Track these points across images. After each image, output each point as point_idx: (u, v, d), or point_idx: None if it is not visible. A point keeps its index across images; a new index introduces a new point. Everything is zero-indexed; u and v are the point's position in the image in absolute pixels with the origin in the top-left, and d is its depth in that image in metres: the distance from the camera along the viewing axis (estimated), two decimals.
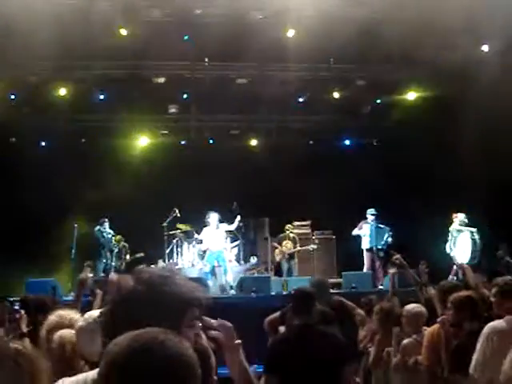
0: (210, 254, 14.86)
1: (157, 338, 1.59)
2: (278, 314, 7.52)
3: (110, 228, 15.86)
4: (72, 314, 3.98)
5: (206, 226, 14.93)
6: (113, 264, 15.60)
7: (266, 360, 5.16)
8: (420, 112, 16.76)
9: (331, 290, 12.87)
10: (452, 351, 5.21)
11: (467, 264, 13.78)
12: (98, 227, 15.69)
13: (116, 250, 15.78)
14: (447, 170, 15.95)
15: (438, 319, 5.66)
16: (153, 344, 1.57)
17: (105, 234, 15.66)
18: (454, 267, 14.36)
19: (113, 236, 15.76)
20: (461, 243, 14.44)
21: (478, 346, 4.78)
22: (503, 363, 4.28)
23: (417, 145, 16.55)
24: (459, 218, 14.56)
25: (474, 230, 14.32)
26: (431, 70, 16.21)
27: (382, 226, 15.28)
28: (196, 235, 15.55)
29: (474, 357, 4.79)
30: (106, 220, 15.75)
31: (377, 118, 17.99)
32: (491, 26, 13.82)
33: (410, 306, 6.62)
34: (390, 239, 15.18)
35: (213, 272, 14.77)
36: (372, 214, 15.34)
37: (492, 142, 14.95)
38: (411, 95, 17.30)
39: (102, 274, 14.79)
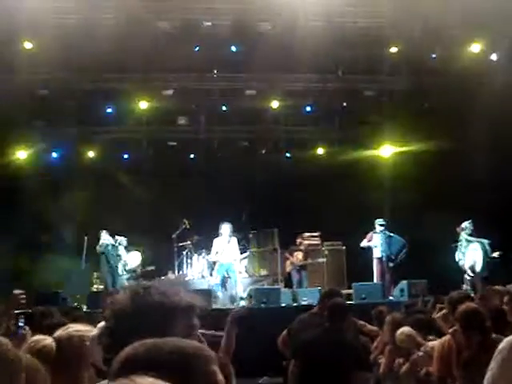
0: (220, 266, 14.84)
1: None
2: (285, 331, 7.64)
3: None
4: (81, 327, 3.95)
5: (217, 236, 14.88)
6: (124, 277, 15.43)
7: (296, 347, 6.38)
8: (429, 121, 16.74)
9: None
10: (463, 363, 5.16)
11: (479, 275, 13.78)
12: (100, 242, 15.31)
13: (118, 261, 15.50)
14: (457, 179, 15.93)
15: (450, 330, 5.62)
16: None
17: (106, 244, 15.36)
18: (466, 276, 14.30)
19: (113, 245, 15.54)
20: (470, 254, 14.36)
21: (494, 359, 4.72)
22: None
23: (427, 155, 16.54)
24: (466, 226, 14.50)
25: (485, 241, 14.22)
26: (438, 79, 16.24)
27: (392, 234, 15.18)
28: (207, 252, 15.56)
29: (490, 371, 4.72)
30: (103, 232, 15.23)
31: (386, 127, 17.96)
32: (499, 34, 13.85)
33: (399, 332, 6.68)
34: (404, 255, 15.07)
35: (223, 284, 14.74)
36: (380, 224, 15.27)
37: (502, 149, 14.95)
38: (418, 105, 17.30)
39: (111, 288, 14.81)
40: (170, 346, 1.60)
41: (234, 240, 14.89)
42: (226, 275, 14.69)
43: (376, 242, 15.26)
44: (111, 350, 1.83)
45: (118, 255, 15.43)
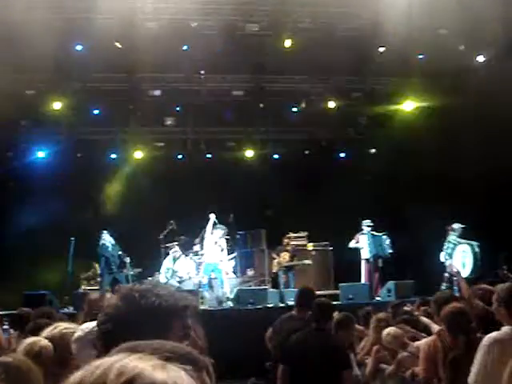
0: (206, 266, 14.83)
1: None
2: (270, 329, 7.77)
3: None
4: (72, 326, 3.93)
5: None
6: (117, 277, 15.34)
7: (282, 352, 6.27)
8: (417, 122, 16.81)
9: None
10: (449, 363, 5.19)
11: (469, 278, 13.83)
12: (101, 242, 15.50)
13: (118, 261, 15.51)
14: (445, 179, 16.01)
15: (435, 330, 5.64)
16: None
17: (107, 246, 15.38)
18: (445, 275, 14.36)
19: (114, 245, 15.49)
20: (458, 256, 14.39)
21: (478, 356, 4.74)
22: (503, 374, 4.26)
23: (414, 155, 16.61)
24: (455, 228, 14.54)
25: (474, 243, 14.25)
26: (427, 81, 16.30)
27: (376, 233, 15.24)
28: (196, 247, 15.57)
29: (474, 368, 4.75)
30: (105, 232, 15.41)
31: (373, 129, 18.04)
32: (486, 35, 13.92)
33: (385, 333, 6.71)
34: (389, 248, 15.12)
35: (210, 284, 14.73)
36: (368, 226, 15.31)
37: (490, 151, 15.02)
38: (408, 105, 17.36)
39: (108, 288, 14.78)
40: (151, 347, 1.59)
41: (223, 240, 14.89)
42: (213, 276, 14.69)
43: (363, 242, 15.31)
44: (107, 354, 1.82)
45: (119, 255, 15.42)
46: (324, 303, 6.57)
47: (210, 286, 14.67)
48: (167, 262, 15.73)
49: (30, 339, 3.76)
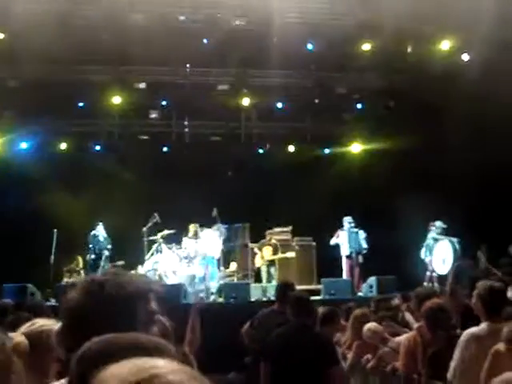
0: (203, 259, 14.96)
1: None
2: (248, 323, 7.73)
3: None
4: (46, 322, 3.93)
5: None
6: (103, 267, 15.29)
7: (264, 348, 6.00)
8: (400, 118, 16.91)
9: (313, 297, 13.05)
10: (429, 358, 5.24)
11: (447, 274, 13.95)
12: (92, 232, 15.51)
13: (107, 254, 15.52)
14: (430, 175, 16.13)
15: (415, 326, 5.70)
16: None
17: (98, 238, 15.39)
18: (428, 273, 14.49)
19: (106, 238, 15.49)
20: (439, 252, 14.52)
21: (456, 352, 4.81)
22: (481, 369, 4.33)
23: (396, 151, 16.71)
24: (436, 225, 14.66)
25: (454, 239, 14.37)
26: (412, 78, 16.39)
27: (355, 230, 15.32)
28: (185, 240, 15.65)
29: (452, 363, 4.82)
30: (100, 223, 15.46)
31: (357, 124, 18.12)
32: (472, 33, 14.00)
33: (366, 328, 6.78)
34: (364, 243, 15.21)
35: (204, 276, 14.88)
36: (349, 222, 15.38)
37: (472, 146, 15.16)
38: (392, 103, 17.48)
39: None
40: (126, 340, 1.58)
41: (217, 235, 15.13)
42: (208, 269, 14.82)
43: (343, 239, 15.39)
44: (70, 348, 1.80)
45: (108, 249, 15.41)
46: (302, 297, 6.37)
47: (204, 279, 14.77)
48: (152, 256, 15.73)
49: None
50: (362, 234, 15.29)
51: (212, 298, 14.18)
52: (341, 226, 15.51)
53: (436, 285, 13.80)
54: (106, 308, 1.94)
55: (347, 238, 15.27)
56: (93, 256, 15.36)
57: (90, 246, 15.39)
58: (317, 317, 6.48)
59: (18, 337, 3.58)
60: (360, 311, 7.49)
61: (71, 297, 2.03)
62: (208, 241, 15.27)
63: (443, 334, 5.12)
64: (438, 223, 14.62)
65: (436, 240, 14.59)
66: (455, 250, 14.24)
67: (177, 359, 1.58)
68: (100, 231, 15.48)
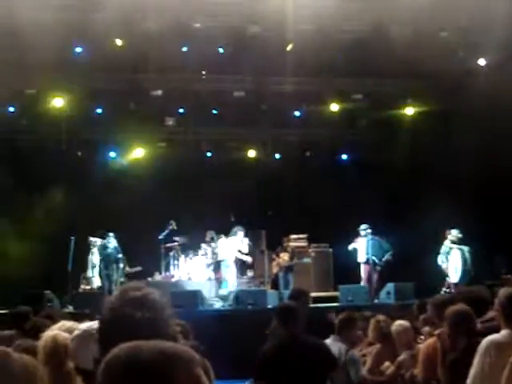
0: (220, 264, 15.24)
1: None
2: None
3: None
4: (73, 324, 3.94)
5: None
6: (118, 278, 15.29)
7: (256, 367, 5.57)
8: (417, 126, 16.85)
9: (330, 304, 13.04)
10: (448, 365, 5.19)
11: (458, 282, 13.90)
12: (102, 242, 15.47)
13: (122, 265, 15.50)
14: (442, 183, 16.04)
15: (436, 332, 5.64)
16: None
17: (109, 249, 15.37)
18: (447, 279, 14.41)
19: (118, 251, 15.38)
20: (452, 261, 14.47)
21: (476, 359, 4.75)
22: (501, 377, 4.27)
23: (412, 160, 16.66)
24: (452, 233, 14.60)
25: (465, 248, 14.33)
26: (429, 84, 16.32)
27: (377, 238, 15.22)
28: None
29: (472, 371, 4.76)
30: (110, 234, 15.35)
31: (373, 131, 18.04)
32: (487, 39, 13.93)
33: (398, 323, 6.74)
34: (389, 257, 15.10)
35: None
36: (364, 229, 15.31)
37: (485, 155, 15.08)
38: (409, 110, 17.41)
39: (99, 285, 14.88)
40: (150, 347, 1.58)
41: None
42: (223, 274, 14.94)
43: (361, 245, 15.33)
44: (100, 352, 1.82)
45: (117, 259, 15.45)
46: (285, 305, 6.27)
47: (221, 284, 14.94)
48: (169, 263, 15.78)
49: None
50: (385, 244, 15.16)
51: (227, 304, 14.17)
52: (358, 234, 15.44)
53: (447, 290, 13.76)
54: (122, 325, 1.99)
55: (365, 245, 15.21)
56: (102, 266, 15.32)
57: (100, 256, 15.37)
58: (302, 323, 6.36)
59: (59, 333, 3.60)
60: (383, 317, 7.48)
61: (104, 306, 2.08)
62: (225, 246, 15.26)
63: (465, 340, 5.06)
64: (454, 231, 14.56)
65: (451, 248, 14.55)
66: (465, 259, 14.21)
67: (200, 367, 1.58)
68: (111, 241, 15.38)
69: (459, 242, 14.52)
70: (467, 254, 14.24)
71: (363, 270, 15.41)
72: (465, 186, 15.87)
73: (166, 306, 2.08)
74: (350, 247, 15.53)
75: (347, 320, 7.03)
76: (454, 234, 14.57)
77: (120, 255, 15.30)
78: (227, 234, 15.58)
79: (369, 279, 15.17)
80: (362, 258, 15.34)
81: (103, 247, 15.35)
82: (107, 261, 15.23)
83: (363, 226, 15.33)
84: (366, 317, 8.42)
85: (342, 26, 15.17)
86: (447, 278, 14.46)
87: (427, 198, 15.64)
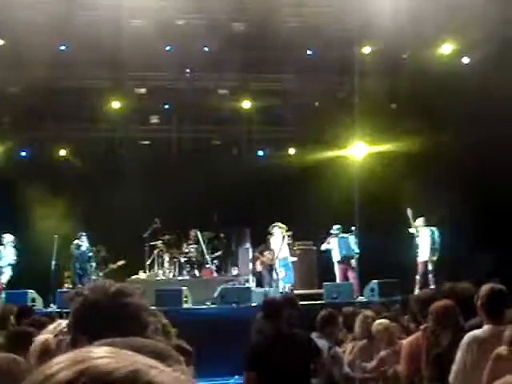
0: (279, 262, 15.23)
1: None
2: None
3: (89, 241, 15.63)
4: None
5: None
6: (93, 276, 15.24)
7: (247, 360, 5.84)
8: (401, 122, 16.95)
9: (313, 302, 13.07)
10: (432, 361, 5.21)
11: (427, 260, 14.12)
12: (75, 241, 15.45)
13: (95, 264, 15.47)
14: (427, 178, 16.13)
15: (421, 327, 5.67)
16: None
17: (82, 248, 15.34)
18: (417, 277, 14.48)
19: (90, 250, 15.48)
20: (421, 242, 14.62)
21: (458, 355, 4.78)
22: (483, 373, 4.31)
23: (399, 155, 16.73)
24: (418, 222, 14.76)
25: (433, 228, 14.58)
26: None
27: (344, 235, 15.35)
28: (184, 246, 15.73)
29: (454, 367, 4.79)
30: (84, 234, 15.40)
31: (359, 128, 18.09)
32: (470, 37, 14.03)
33: (378, 322, 6.77)
34: (356, 247, 15.23)
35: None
36: (337, 229, 15.43)
37: (472, 149, 15.20)
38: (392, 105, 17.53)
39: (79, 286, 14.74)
40: (124, 345, 1.58)
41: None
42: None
43: (333, 245, 15.42)
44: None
45: (91, 258, 15.41)
46: (270, 300, 6.84)
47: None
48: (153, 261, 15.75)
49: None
50: (352, 239, 15.32)
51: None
52: (331, 234, 15.53)
53: (432, 286, 13.78)
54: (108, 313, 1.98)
55: (337, 244, 15.32)
56: (77, 265, 15.30)
57: (74, 255, 15.31)
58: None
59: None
60: (370, 312, 7.53)
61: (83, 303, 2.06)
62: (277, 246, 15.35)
63: (449, 334, 5.09)
64: (419, 220, 14.71)
65: (418, 232, 14.68)
66: (433, 239, 14.49)
67: (181, 364, 1.58)
68: (83, 240, 15.39)
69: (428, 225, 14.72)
70: (436, 233, 14.51)
71: (337, 269, 15.51)
72: (449, 183, 15.98)
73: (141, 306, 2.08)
74: (323, 247, 15.63)
75: (329, 317, 7.07)
76: (420, 221, 14.71)
77: (91, 254, 15.34)
78: (216, 232, 15.62)
79: (344, 277, 15.27)
80: (336, 257, 15.45)
81: (76, 247, 15.29)
82: (81, 260, 15.22)
83: (336, 227, 15.45)
84: (347, 314, 8.46)
85: (326, 22, 15.22)
86: (417, 277, 14.50)
87: (411, 193, 15.71)
